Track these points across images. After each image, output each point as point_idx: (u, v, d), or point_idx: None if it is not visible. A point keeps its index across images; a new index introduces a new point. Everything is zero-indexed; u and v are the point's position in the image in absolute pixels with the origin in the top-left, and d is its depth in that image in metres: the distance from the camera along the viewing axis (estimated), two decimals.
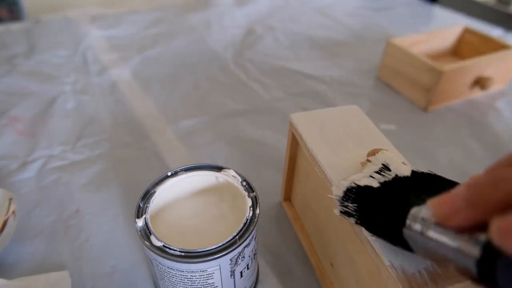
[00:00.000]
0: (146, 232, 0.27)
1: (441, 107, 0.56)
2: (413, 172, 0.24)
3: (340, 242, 0.29)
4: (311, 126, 0.32)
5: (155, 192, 0.30)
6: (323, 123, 0.33)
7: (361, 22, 0.84)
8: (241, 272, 0.28)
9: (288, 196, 0.41)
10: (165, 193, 0.31)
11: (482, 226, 0.16)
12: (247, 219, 0.27)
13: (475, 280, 0.17)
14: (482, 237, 0.16)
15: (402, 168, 0.24)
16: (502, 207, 0.16)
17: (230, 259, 0.26)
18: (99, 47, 0.72)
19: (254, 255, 0.30)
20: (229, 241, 0.26)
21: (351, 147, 0.30)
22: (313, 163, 0.30)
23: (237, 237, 0.26)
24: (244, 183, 0.30)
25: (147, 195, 0.29)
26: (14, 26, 0.78)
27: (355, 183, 0.24)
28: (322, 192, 0.31)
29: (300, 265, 0.35)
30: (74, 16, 0.82)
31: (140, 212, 0.28)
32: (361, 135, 0.31)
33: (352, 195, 0.24)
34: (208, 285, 0.27)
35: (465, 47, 0.66)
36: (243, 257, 0.28)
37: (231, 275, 0.28)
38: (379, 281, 0.24)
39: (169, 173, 0.31)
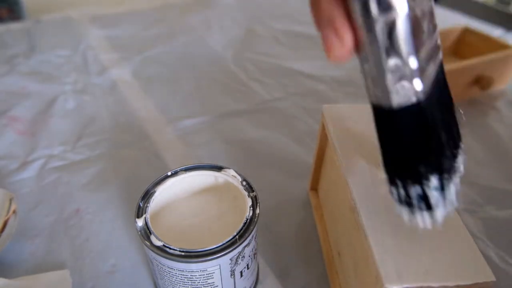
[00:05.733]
0: (146, 232, 0.27)
1: None
2: None
3: (347, 231, 0.30)
4: (342, 119, 0.33)
5: (155, 192, 0.30)
6: (354, 118, 0.33)
7: None
8: (241, 272, 0.28)
9: (315, 186, 0.41)
10: (165, 193, 0.31)
11: None
12: (247, 219, 0.27)
13: None
14: None
15: None
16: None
17: (230, 259, 0.26)
18: (99, 47, 0.72)
19: (254, 254, 0.30)
20: (229, 240, 0.26)
21: (375, 145, 0.30)
22: (335, 154, 0.31)
23: (237, 236, 0.26)
24: (244, 183, 0.30)
25: (147, 195, 0.29)
26: (15, 26, 0.78)
27: None
28: (340, 182, 0.32)
29: (300, 265, 0.35)
30: (74, 16, 0.82)
31: (140, 212, 0.28)
32: None
33: None
34: (208, 285, 0.27)
35: (465, 47, 0.66)
36: (243, 256, 0.28)
37: (231, 275, 0.28)
38: (371, 269, 0.24)
39: (169, 173, 0.31)
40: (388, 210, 0.25)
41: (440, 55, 0.20)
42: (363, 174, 0.28)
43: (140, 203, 0.29)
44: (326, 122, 0.33)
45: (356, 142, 0.31)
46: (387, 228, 0.24)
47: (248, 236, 0.26)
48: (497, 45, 0.59)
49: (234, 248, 0.26)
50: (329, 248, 0.36)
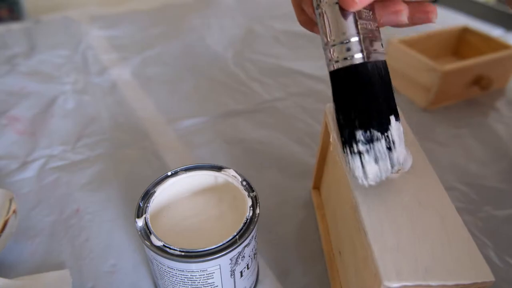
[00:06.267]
0: (146, 232, 0.27)
1: (441, 107, 0.56)
2: None
3: (348, 230, 0.30)
4: None
5: (155, 192, 0.30)
6: None
7: None
8: (241, 272, 0.29)
9: (317, 185, 0.41)
10: (165, 193, 0.31)
11: None
12: (247, 219, 0.27)
13: None
14: None
15: None
16: None
17: (230, 259, 0.26)
18: (99, 47, 0.72)
19: (254, 254, 0.30)
20: (229, 240, 0.26)
21: None
22: (335, 150, 0.31)
23: (237, 236, 0.26)
24: (244, 183, 0.30)
25: (147, 195, 0.29)
26: (14, 26, 0.78)
27: None
28: (341, 181, 0.32)
29: (300, 265, 0.35)
30: (74, 16, 0.82)
31: (140, 211, 0.28)
32: None
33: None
34: (208, 285, 0.27)
35: (465, 47, 0.66)
36: (243, 256, 0.28)
37: (231, 275, 0.28)
38: (370, 268, 0.24)
39: (169, 173, 0.31)
40: (389, 209, 0.25)
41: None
42: None
43: (140, 203, 0.29)
44: (329, 121, 0.33)
45: None
46: (387, 227, 0.24)
47: (248, 236, 0.27)
48: (497, 45, 0.59)
49: (234, 248, 0.26)
50: (330, 247, 0.36)
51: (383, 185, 0.27)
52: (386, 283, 0.21)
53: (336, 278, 0.33)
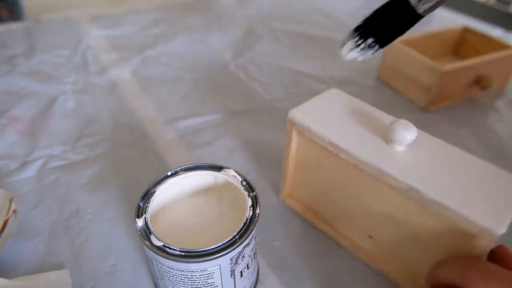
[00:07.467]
0: (146, 232, 0.27)
1: (441, 107, 0.56)
2: None
3: (381, 213, 0.31)
4: (313, 117, 0.34)
5: (155, 192, 0.30)
6: (320, 112, 0.35)
7: None
8: (241, 272, 0.29)
9: (290, 192, 0.41)
10: (165, 193, 0.31)
11: None
12: (247, 219, 0.27)
13: None
14: None
15: None
16: None
17: (230, 259, 0.26)
18: (99, 47, 0.72)
19: (254, 254, 0.30)
20: (229, 240, 0.26)
21: (359, 124, 0.33)
22: (336, 150, 0.31)
23: (237, 236, 0.26)
24: (244, 183, 0.30)
25: (147, 195, 0.29)
26: (14, 26, 0.78)
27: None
28: (344, 174, 0.33)
29: (300, 264, 0.35)
30: (74, 16, 0.82)
31: (140, 211, 0.28)
32: (358, 113, 0.34)
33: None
34: (208, 285, 0.27)
35: (465, 47, 0.66)
36: (243, 256, 0.28)
37: (231, 275, 0.28)
38: (449, 225, 0.25)
39: (169, 173, 0.31)
40: (407, 160, 0.28)
41: None
42: (364, 146, 0.30)
43: (140, 203, 0.29)
44: (304, 126, 0.34)
45: (345, 129, 0.32)
46: (446, 187, 0.25)
47: (248, 236, 0.27)
48: (497, 45, 0.59)
49: (234, 248, 0.26)
50: (344, 237, 0.36)
51: (414, 152, 0.30)
52: (496, 231, 0.22)
53: (377, 261, 0.34)
